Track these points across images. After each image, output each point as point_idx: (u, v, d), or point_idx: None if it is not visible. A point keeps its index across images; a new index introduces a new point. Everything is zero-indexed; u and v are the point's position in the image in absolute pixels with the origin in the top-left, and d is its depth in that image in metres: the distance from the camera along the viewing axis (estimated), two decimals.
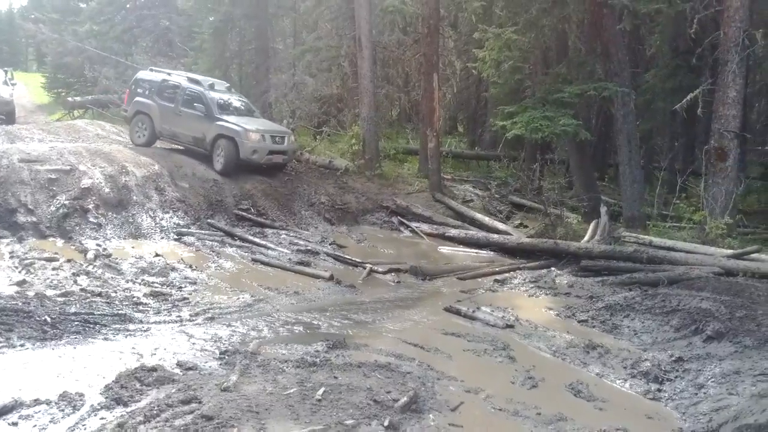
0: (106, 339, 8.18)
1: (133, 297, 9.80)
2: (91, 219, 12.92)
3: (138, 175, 14.42)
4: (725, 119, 14.67)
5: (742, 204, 18.13)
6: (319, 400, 6.52)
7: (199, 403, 6.22)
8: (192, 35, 31.97)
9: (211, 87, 17.13)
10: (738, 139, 15.00)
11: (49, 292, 9.36)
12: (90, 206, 13.09)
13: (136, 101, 17.52)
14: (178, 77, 17.65)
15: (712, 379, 7.68)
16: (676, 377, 7.99)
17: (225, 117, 16.39)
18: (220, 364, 7.52)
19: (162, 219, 13.80)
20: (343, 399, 6.61)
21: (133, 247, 12.38)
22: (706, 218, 14.41)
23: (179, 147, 17.04)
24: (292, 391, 6.68)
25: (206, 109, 16.46)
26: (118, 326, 8.62)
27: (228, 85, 18.72)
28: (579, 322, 10.12)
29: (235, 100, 17.71)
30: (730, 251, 12.69)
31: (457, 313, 10.26)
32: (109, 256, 11.52)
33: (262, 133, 16.31)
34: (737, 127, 14.85)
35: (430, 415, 6.57)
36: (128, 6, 34.32)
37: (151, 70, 18.68)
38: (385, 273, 12.61)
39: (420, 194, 18.37)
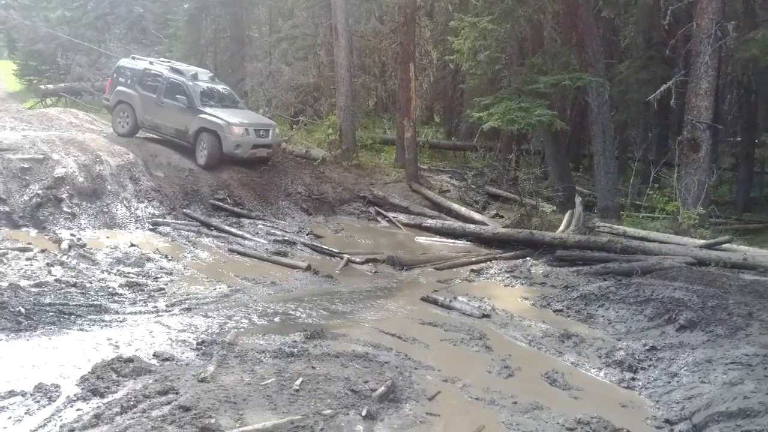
0: (81, 330, 8.12)
1: (109, 287, 9.73)
2: (65, 209, 12.79)
3: (112, 165, 14.27)
4: (698, 110, 14.84)
5: (714, 194, 18.38)
6: (297, 390, 6.54)
7: (177, 393, 6.21)
8: (166, 22, 31.57)
9: (194, 77, 16.70)
10: (710, 130, 15.18)
11: (23, 283, 9.26)
12: (64, 196, 12.95)
13: (117, 90, 17.10)
14: (160, 66, 17.17)
15: (685, 368, 7.81)
16: (649, 366, 8.11)
17: (208, 109, 16.01)
18: (197, 355, 7.51)
19: (137, 209, 13.68)
20: (320, 389, 6.63)
21: (108, 237, 12.28)
22: (679, 208, 14.60)
23: (154, 136, 16.84)
24: (269, 381, 6.69)
25: (188, 100, 16.05)
26: (93, 317, 8.56)
27: (212, 74, 18.27)
28: (554, 311, 10.24)
29: (219, 91, 17.31)
30: (702, 241, 12.88)
31: (434, 302, 10.32)
32: (83, 246, 11.41)
33: (246, 126, 15.98)
34: (709, 118, 15.02)
35: (408, 405, 6.62)
36: None
37: (133, 58, 18.17)
38: (362, 263, 12.64)
39: (397, 184, 18.39)
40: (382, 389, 6.65)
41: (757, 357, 7.50)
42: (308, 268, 11.72)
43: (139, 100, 16.71)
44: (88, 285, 9.66)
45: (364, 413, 6.21)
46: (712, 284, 10.15)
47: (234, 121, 15.81)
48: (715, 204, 16.97)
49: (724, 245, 12.60)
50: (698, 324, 8.74)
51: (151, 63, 17.43)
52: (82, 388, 6.35)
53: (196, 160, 15.85)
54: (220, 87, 17.69)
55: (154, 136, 16.83)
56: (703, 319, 8.79)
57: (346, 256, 12.69)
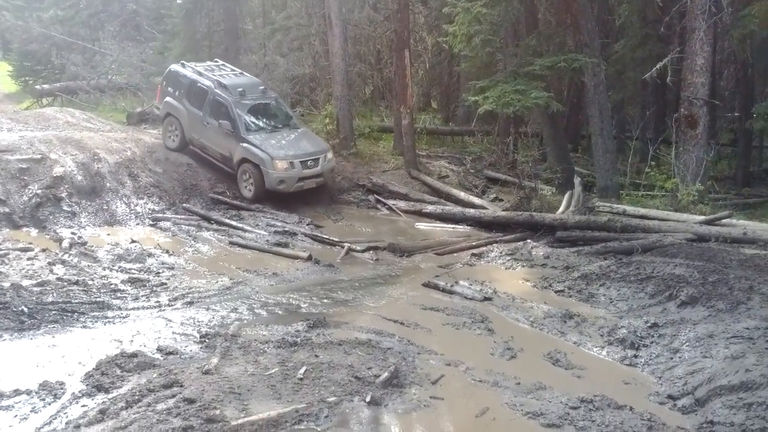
0: (84, 327, 8.17)
1: (111, 284, 9.77)
2: (65, 207, 12.83)
3: (110, 162, 14.30)
4: (694, 87, 14.81)
5: (713, 170, 18.34)
6: (301, 379, 6.59)
7: (181, 386, 6.26)
8: (160, 18, 31.49)
9: (242, 95, 15.36)
10: (707, 107, 15.15)
11: (25, 282, 9.30)
12: (63, 195, 12.99)
13: (166, 102, 16.15)
14: (207, 80, 15.72)
15: (687, 344, 7.84)
16: (651, 343, 8.15)
17: (253, 136, 14.86)
18: (201, 348, 7.56)
19: (137, 205, 13.73)
20: (324, 377, 6.68)
21: (108, 235, 12.33)
22: (678, 186, 14.60)
23: (151, 131, 16.71)
24: (273, 371, 6.74)
25: (233, 125, 14.87)
26: (96, 314, 8.60)
27: (263, 87, 16.70)
28: (556, 292, 10.26)
29: (270, 109, 16.17)
30: (702, 217, 12.88)
31: (436, 287, 10.35)
32: (84, 244, 11.46)
33: (291, 159, 14.68)
34: (706, 94, 14.98)
35: (412, 389, 6.67)
36: None
37: (183, 65, 16.76)
38: (363, 251, 12.63)
39: (396, 172, 18.35)
40: (385, 375, 6.70)
41: (759, 330, 7.54)
42: (309, 258, 11.72)
43: (186, 115, 15.68)
44: (90, 282, 9.70)
45: (368, 399, 6.27)
46: (712, 260, 10.18)
47: (278, 154, 14.61)
48: (714, 180, 16.96)
49: (723, 220, 12.61)
50: (699, 299, 8.77)
51: (199, 74, 16.05)
52: (87, 385, 6.41)
53: (240, 191, 15.14)
54: (272, 103, 16.45)
55: (150, 130, 16.57)
56: (704, 295, 8.82)
57: (346, 245, 12.69)
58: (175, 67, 16.76)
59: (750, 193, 18.80)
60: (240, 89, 15.51)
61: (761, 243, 11.46)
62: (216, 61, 17.55)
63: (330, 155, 15.96)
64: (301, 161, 14.89)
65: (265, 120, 15.78)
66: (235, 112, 15.01)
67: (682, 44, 16.00)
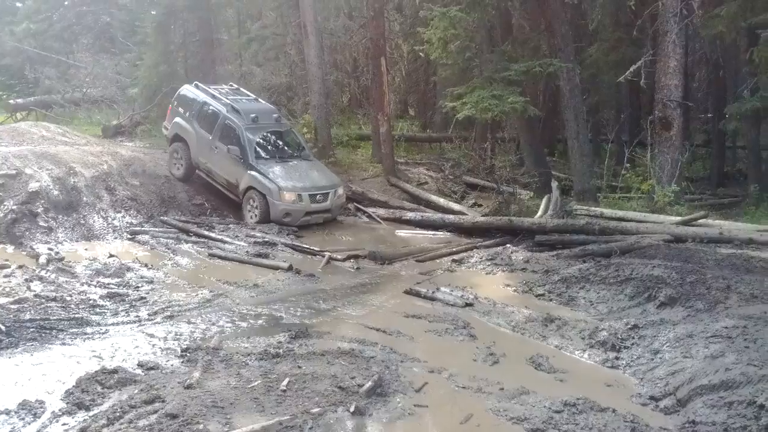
0: (63, 344, 8.05)
1: (89, 300, 9.64)
2: (41, 223, 12.69)
3: (87, 176, 14.18)
4: (668, 89, 15.00)
5: (688, 171, 18.61)
6: (284, 391, 6.55)
7: (163, 402, 6.20)
8: (134, 30, 31.32)
9: (255, 120, 15.00)
10: (681, 108, 15.35)
11: (2, 300, 9.16)
12: (39, 210, 12.86)
13: (175, 123, 15.81)
14: (220, 104, 15.35)
15: (667, 344, 7.90)
16: (632, 344, 8.19)
17: (262, 165, 14.52)
18: (182, 362, 7.48)
19: (114, 219, 13.62)
20: (308, 388, 6.65)
21: (86, 249, 12.21)
22: (654, 187, 14.76)
23: (127, 144, 16.58)
24: (256, 383, 6.69)
25: (242, 152, 14.53)
26: (75, 330, 8.49)
27: (277, 114, 16.35)
28: (536, 296, 10.31)
29: (282, 138, 15.91)
30: (678, 218, 13.03)
31: (417, 295, 10.34)
32: (61, 259, 11.32)
33: (299, 191, 14.38)
34: (679, 96, 15.19)
35: (396, 398, 6.65)
36: (66, 3, 33.49)
37: (196, 86, 16.25)
38: (344, 260, 12.61)
39: (375, 179, 18.39)
40: (369, 384, 6.68)
41: (737, 329, 7.61)
42: (290, 268, 11.66)
43: (195, 137, 15.37)
44: (68, 298, 9.58)
45: (352, 409, 6.24)
46: (690, 260, 10.28)
47: (286, 185, 14.27)
48: (689, 180, 17.19)
49: (700, 221, 12.77)
50: (678, 300, 8.86)
51: (213, 96, 15.67)
52: (67, 403, 6.32)
53: (244, 219, 14.78)
54: (284, 131, 16.16)
55: (126, 143, 16.43)
56: (682, 295, 8.90)
57: (327, 254, 12.65)
58: (187, 87, 16.37)
59: (724, 193, 19.08)
60: (253, 115, 15.17)
61: (737, 242, 11.62)
62: (231, 85, 17.27)
63: (341, 191, 15.52)
64: (309, 194, 14.54)
65: (276, 149, 15.52)
66: (246, 138, 14.68)
67: (655, 47, 16.21)
